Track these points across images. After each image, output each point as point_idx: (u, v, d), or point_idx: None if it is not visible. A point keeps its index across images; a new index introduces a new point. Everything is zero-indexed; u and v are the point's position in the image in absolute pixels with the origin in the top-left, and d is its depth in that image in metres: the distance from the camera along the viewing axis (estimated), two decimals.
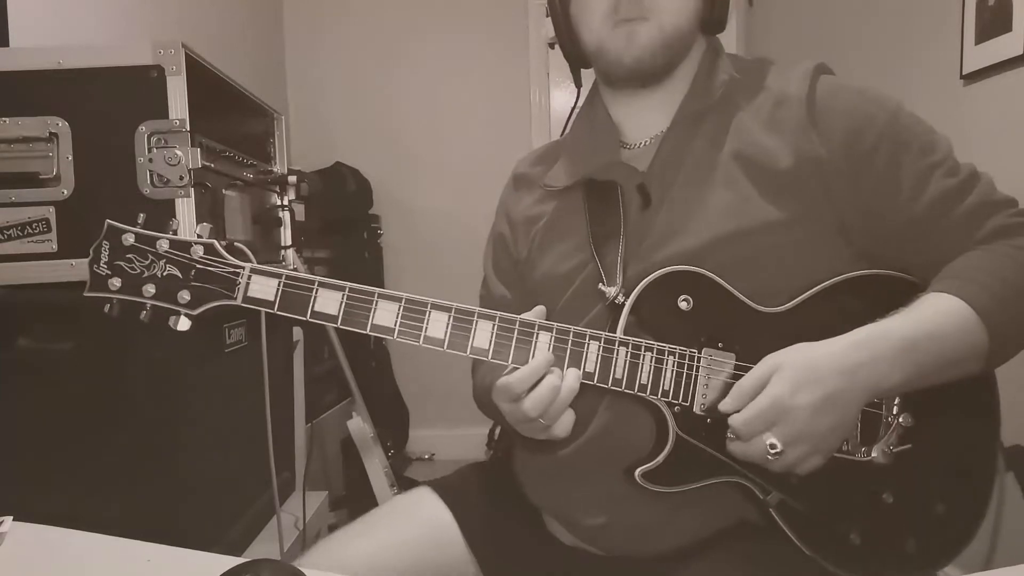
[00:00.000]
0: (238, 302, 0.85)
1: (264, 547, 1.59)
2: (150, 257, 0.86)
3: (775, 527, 0.88)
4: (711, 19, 0.97)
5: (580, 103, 1.11)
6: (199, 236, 0.86)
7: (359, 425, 2.41)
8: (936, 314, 0.83)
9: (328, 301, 0.85)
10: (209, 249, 0.86)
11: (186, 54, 1.26)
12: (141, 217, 0.86)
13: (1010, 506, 0.94)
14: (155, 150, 1.24)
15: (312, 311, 0.84)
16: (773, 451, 0.77)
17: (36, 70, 1.25)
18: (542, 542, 1.04)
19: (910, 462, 0.88)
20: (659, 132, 1.00)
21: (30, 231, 1.23)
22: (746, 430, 0.80)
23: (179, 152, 1.24)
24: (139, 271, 0.86)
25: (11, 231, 1.23)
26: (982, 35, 1.86)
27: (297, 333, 1.97)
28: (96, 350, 1.25)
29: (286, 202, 1.79)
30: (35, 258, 1.24)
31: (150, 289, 0.85)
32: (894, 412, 0.88)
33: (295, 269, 1.85)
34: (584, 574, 1.00)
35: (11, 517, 0.87)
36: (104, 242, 0.86)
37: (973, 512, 0.91)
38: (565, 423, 0.85)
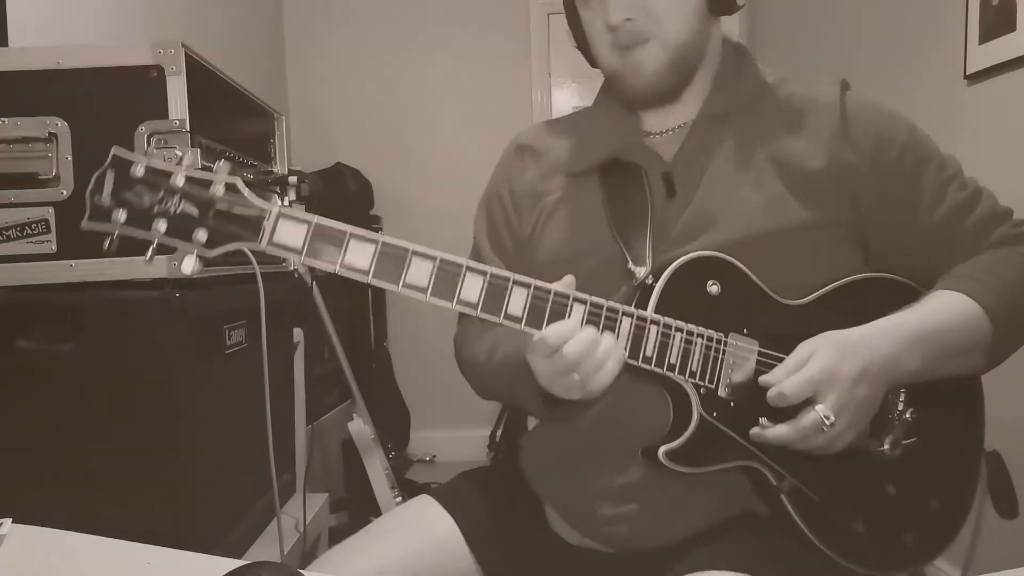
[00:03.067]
0: (262, 246, 0.78)
1: (264, 549, 1.58)
2: (162, 191, 0.77)
3: (781, 517, 0.90)
4: (719, 1, 0.97)
5: (598, 90, 1.11)
6: (218, 174, 0.79)
7: (360, 427, 2.40)
8: (946, 308, 0.90)
9: (360, 254, 0.79)
10: (231, 188, 0.78)
11: (186, 54, 1.25)
12: (151, 148, 0.79)
13: (989, 503, 1.00)
14: (155, 150, 1.23)
15: (343, 263, 0.79)
16: (828, 421, 0.81)
17: (35, 70, 1.24)
18: (546, 542, 1.04)
19: (913, 456, 0.92)
20: (681, 123, 1.02)
21: (29, 232, 1.23)
22: (796, 393, 0.82)
23: (179, 152, 1.23)
24: (149, 205, 0.76)
25: (10, 232, 1.23)
26: (986, 35, 1.86)
27: (298, 335, 1.96)
28: (96, 351, 1.24)
29: (287, 203, 1.79)
30: (34, 259, 1.23)
31: (161, 225, 0.77)
32: (900, 407, 0.92)
33: (295, 270, 1.85)
34: (589, 572, 1.00)
35: (11, 519, 0.86)
36: (109, 170, 0.77)
37: (961, 507, 0.97)
38: (603, 378, 0.83)
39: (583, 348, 0.80)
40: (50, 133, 1.23)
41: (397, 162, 3.56)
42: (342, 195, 3.23)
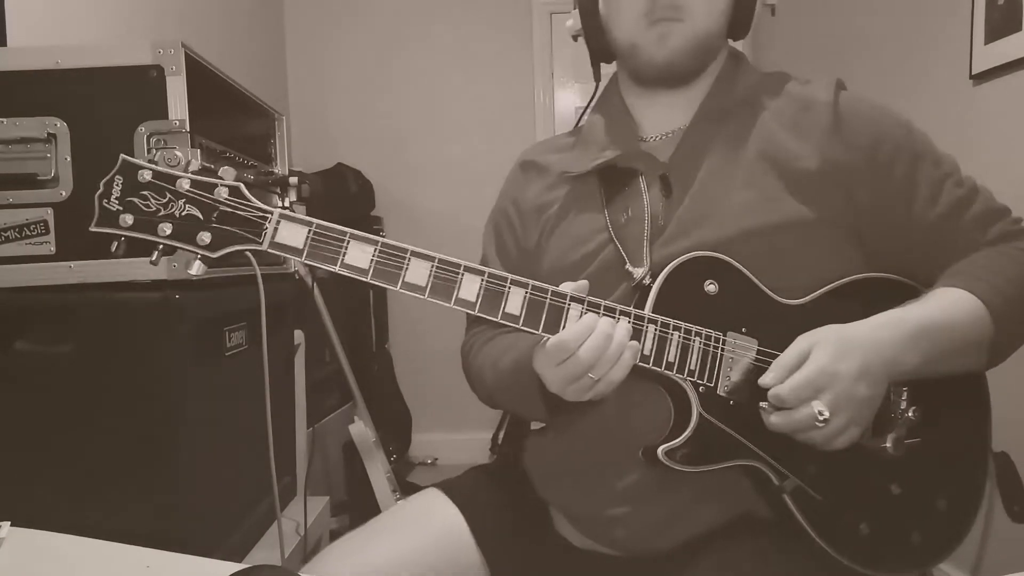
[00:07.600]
0: (264, 247, 0.81)
1: (265, 553, 1.57)
2: (168, 195, 0.80)
3: (785, 518, 0.90)
4: (738, 23, 1.01)
5: (597, 97, 1.14)
6: (222, 179, 0.82)
7: (361, 429, 2.40)
8: (948, 304, 0.90)
9: (359, 254, 0.83)
10: (234, 192, 0.82)
11: (186, 54, 1.24)
12: (157, 154, 0.83)
13: (998, 505, 0.99)
14: (155, 151, 1.22)
15: (342, 263, 0.82)
16: (822, 417, 0.80)
17: (34, 70, 1.24)
18: (552, 545, 1.03)
19: (917, 456, 0.91)
20: (676, 128, 1.03)
21: (28, 233, 1.22)
22: (794, 396, 0.82)
23: (179, 153, 1.20)
24: (155, 209, 0.80)
25: (9, 233, 1.22)
26: (992, 34, 1.85)
27: (298, 336, 1.95)
28: (95, 353, 1.24)
29: (287, 203, 1.78)
30: (33, 260, 1.22)
31: (166, 228, 0.80)
32: (903, 406, 0.91)
33: (296, 271, 1.85)
34: None
35: (9, 522, 0.86)
36: (117, 176, 0.81)
37: (969, 508, 0.97)
38: (619, 372, 0.84)
39: (598, 346, 0.81)
40: (49, 134, 1.22)
41: (399, 163, 3.56)
42: (343, 196, 3.23)
